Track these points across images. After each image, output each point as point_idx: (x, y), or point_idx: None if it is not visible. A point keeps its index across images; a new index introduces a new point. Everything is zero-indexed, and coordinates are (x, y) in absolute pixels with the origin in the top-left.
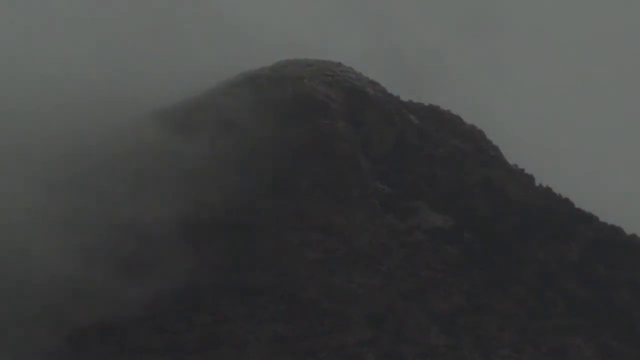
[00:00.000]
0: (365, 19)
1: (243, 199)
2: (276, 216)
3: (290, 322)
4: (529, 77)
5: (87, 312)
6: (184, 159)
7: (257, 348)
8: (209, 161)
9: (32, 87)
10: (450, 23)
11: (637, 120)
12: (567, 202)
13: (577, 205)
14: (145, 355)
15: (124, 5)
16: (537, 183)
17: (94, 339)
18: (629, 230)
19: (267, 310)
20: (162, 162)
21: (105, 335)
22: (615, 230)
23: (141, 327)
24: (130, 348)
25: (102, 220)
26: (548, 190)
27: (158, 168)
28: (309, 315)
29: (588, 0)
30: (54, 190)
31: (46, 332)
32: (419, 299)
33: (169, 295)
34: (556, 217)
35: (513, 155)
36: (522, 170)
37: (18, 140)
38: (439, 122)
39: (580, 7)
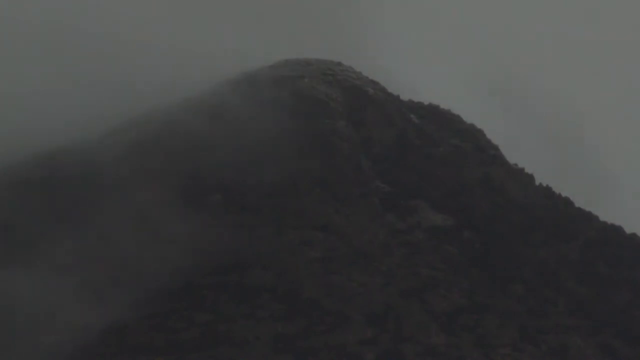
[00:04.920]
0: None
1: (243, 197)
2: (276, 215)
3: (290, 320)
4: (529, 76)
5: None
6: (183, 158)
7: (257, 347)
8: (208, 160)
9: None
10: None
11: (637, 120)
12: (567, 201)
13: (577, 204)
14: (146, 354)
15: (127, 6)
16: (537, 182)
17: (94, 337)
18: (629, 229)
19: (267, 309)
20: (161, 160)
21: (106, 333)
22: (616, 230)
23: (141, 325)
24: (131, 346)
25: None
26: (548, 189)
27: (158, 164)
28: (309, 314)
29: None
30: None
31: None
32: (419, 297)
33: (169, 294)
34: (556, 216)
35: (513, 154)
36: (522, 169)
37: None
38: (439, 121)
39: (581, 6)
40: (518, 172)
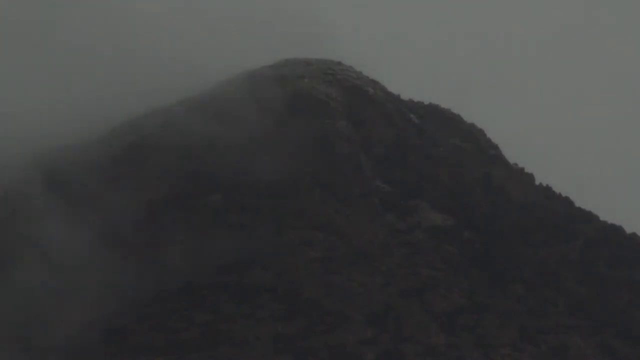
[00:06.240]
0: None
1: (243, 197)
2: (276, 215)
3: (290, 320)
4: (530, 76)
5: None
6: (183, 158)
7: (257, 347)
8: (208, 160)
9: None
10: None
11: (637, 120)
12: (567, 201)
13: (577, 204)
14: (146, 354)
15: (128, 5)
16: (537, 182)
17: (94, 337)
18: (629, 229)
19: (267, 309)
20: (161, 160)
21: (106, 333)
22: (616, 230)
23: (142, 325)
24: (131, 346)
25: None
26: (548, 189)
27: (158, 164)
28: (309, 314)
29: (589, 2)
30: None
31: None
32: (419, 297)
33: (169, 294)
34: (556, 216)
35: (513, 153)
36: (522, 169)
37: None
38: (439, 121)
39: (582, 6)
40: (518, 172)
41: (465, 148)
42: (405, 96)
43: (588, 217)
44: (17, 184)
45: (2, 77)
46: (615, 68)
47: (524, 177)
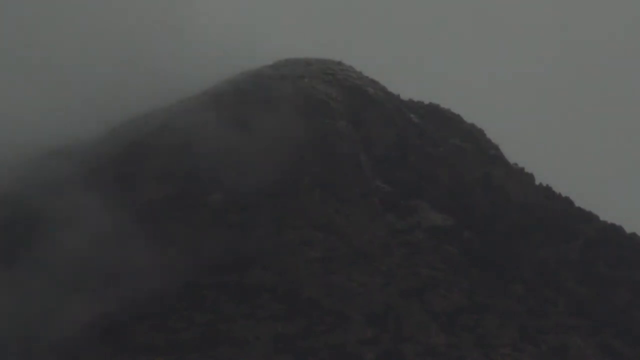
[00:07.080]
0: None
1: (243, 197)
2: (276, 215)
3: (290, 320)
4: (530, 76)
5: None
6: (183, 158)
7: (257, 346)
8: (208, 160)
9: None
10: (451, 21)
11: (637, 120)
12: (567, 201)
13: (577, 204)
14: (146, 354)
15: (128, 5)
16: (537, 182)
17: (94, 337)
18: (629, 229)
19: (267, 309)
20: (161, 160)
21: (106, 333)
22: (616, 230)
23: (142, 325)
24: (131, 346)
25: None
26: (548, 189)
27: (158, 164)
28: (309, 314)
29: (589, 1)
30: None
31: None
32: (419, 297)
33: (169, 294)
34: (556, 216)
35: (513, 153)
36: (522, 169)
37: None
38: (439, 120)
39: (582, 7)
40: (518, 172)
41: (465, 148)
42: (405, 96)
43: (588, 217)
44: (17, 185)
45: (2, 78)
46: (615, 68)
47: (524, 177)
